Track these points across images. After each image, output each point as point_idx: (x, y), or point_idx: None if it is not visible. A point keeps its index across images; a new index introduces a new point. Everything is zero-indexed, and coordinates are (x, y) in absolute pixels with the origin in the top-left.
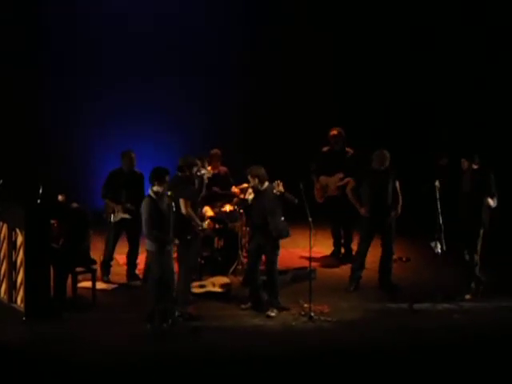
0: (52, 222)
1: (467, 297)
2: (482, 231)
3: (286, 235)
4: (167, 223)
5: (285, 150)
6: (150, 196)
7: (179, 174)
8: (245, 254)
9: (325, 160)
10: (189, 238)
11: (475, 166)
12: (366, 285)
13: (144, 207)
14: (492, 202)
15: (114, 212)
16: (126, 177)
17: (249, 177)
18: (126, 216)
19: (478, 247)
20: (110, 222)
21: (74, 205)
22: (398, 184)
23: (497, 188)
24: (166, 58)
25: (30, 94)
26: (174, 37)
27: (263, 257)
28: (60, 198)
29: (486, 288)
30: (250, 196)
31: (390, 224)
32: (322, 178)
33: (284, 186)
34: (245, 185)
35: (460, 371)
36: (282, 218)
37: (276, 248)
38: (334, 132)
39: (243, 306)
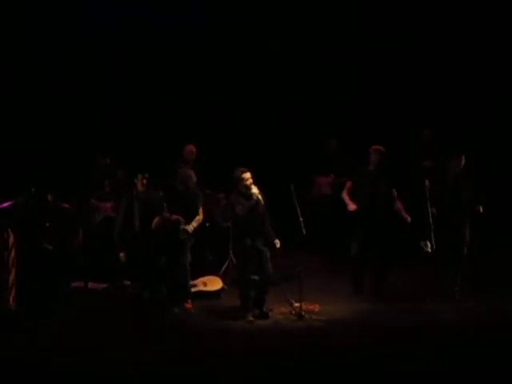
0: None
1: (456, 289)
2: (468, 224)
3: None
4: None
5: (275, 150)
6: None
7: (179, 187)
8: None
9: (319, 161)
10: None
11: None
12: None
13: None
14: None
15: (97, 210)
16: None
17: (249, 175)
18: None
19: (467, 238)
20: (95, 220)
21: (64, 205)
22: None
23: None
24: None
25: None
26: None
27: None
28: (50, 197)
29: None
30: (255, 190)
31: (382, 224)
32: (319, 178)
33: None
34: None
35: (451, 371)
36: None
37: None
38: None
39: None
